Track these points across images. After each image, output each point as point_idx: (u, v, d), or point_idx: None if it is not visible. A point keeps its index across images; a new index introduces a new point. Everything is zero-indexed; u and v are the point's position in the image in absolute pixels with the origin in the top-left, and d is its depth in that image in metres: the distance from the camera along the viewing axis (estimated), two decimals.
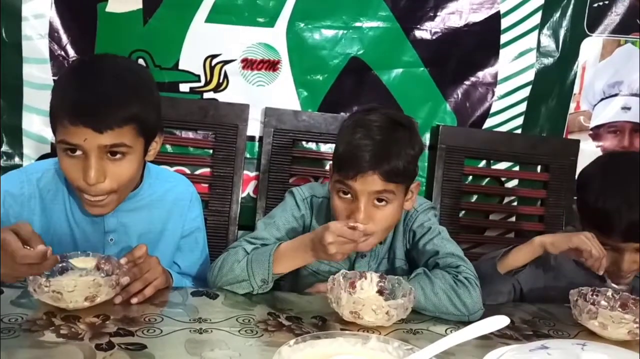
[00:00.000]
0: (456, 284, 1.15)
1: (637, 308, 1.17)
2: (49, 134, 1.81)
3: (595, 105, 2.06)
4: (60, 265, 1.06)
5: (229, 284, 1.18)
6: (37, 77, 1.79)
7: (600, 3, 1.99)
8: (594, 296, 1.19)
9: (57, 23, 1.78)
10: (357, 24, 1.91)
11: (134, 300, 1.06)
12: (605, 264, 1.20)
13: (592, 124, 2.07)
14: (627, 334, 1.09)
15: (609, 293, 1.20)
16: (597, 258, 1.22)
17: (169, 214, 1.32)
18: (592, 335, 1.12)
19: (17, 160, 1.83)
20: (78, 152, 1.08)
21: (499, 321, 0.85)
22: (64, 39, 1.80)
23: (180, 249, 1.35)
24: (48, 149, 1.83)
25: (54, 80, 1.78)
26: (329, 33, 1.91)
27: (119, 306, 1.05)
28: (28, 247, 0.93)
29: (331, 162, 1.30)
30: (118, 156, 1.10)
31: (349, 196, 1.21)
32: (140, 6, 1.81)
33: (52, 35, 1.78)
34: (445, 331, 1.08)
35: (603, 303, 1.18)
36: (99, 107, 1.07)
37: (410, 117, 1.30)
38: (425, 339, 1.02)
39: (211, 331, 0.98)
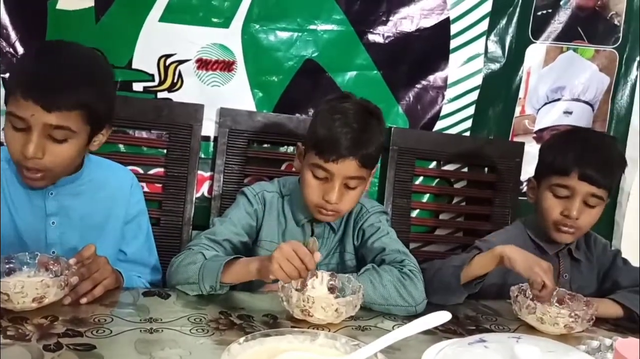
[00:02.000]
0: (402, 277, 1.22)
1: (573, 303, 1.24)
2: None
3: (539, 109, 2.13)
4: (7, 266, 1.05)
5: (180, 284, 1.19)
6: None
7: (544, 11, 2.06)
8: None
9: (6, 20, 1.74)
10: (312, 27, 1.93)
11: (83, 300, 1.06)
12: (549, 295, 1.20)
13: (536, 127, 2.13)
14: (564, 328, 1.15)
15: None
16: (548, 291, 1.18)
17: (113, 199, 1.33)
18: (532, 329, 1.18)
19: None
20: (23, 126, 1.09)
21: (442, 317, 0.88)
22: (13, 35, 1.75)
23: (124, 235, 1.36)
24: None
25: (2, 78, 1.74)
26: (283, 35, 1.92)
27: (68, 306, 1.04)
28: None
29: (301, 142, 1.39)
30: (60, 138, 1.12)
31: (324, 177, 1.30)
32: (92, 4, 1.77)
33: (1, 32, 1.73)
34: (393, 327, 1.12)
35: None
36: (52, 87, 1.09)
37: (377, 106, 1.39)
38: (373, 335, 1.05)
39: (162, 330, 0.99)
